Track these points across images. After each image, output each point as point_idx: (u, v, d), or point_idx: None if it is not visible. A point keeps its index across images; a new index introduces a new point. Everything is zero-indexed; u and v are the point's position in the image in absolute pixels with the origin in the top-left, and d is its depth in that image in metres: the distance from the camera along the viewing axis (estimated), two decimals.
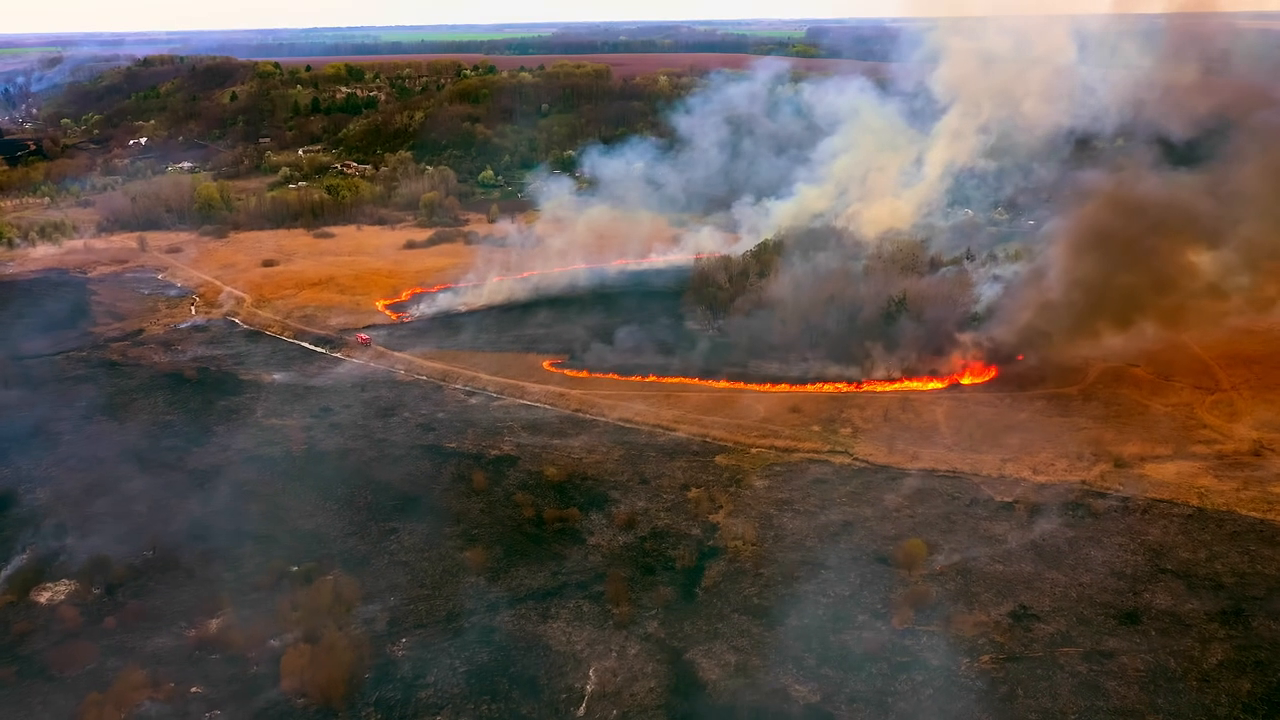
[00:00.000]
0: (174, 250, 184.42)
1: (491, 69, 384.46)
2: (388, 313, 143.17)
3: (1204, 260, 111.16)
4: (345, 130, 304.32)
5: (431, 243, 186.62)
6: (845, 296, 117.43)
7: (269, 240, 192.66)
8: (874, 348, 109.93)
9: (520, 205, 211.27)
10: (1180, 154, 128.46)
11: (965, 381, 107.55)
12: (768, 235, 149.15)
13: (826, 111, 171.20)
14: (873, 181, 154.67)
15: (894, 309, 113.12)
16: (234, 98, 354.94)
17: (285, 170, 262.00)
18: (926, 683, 60.36)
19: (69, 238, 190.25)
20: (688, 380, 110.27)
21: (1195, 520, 78.32)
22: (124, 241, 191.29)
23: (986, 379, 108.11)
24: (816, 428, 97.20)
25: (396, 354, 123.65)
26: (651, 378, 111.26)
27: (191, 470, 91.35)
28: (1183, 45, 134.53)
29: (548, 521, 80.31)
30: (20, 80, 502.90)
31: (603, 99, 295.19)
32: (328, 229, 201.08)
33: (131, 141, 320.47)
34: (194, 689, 61.18)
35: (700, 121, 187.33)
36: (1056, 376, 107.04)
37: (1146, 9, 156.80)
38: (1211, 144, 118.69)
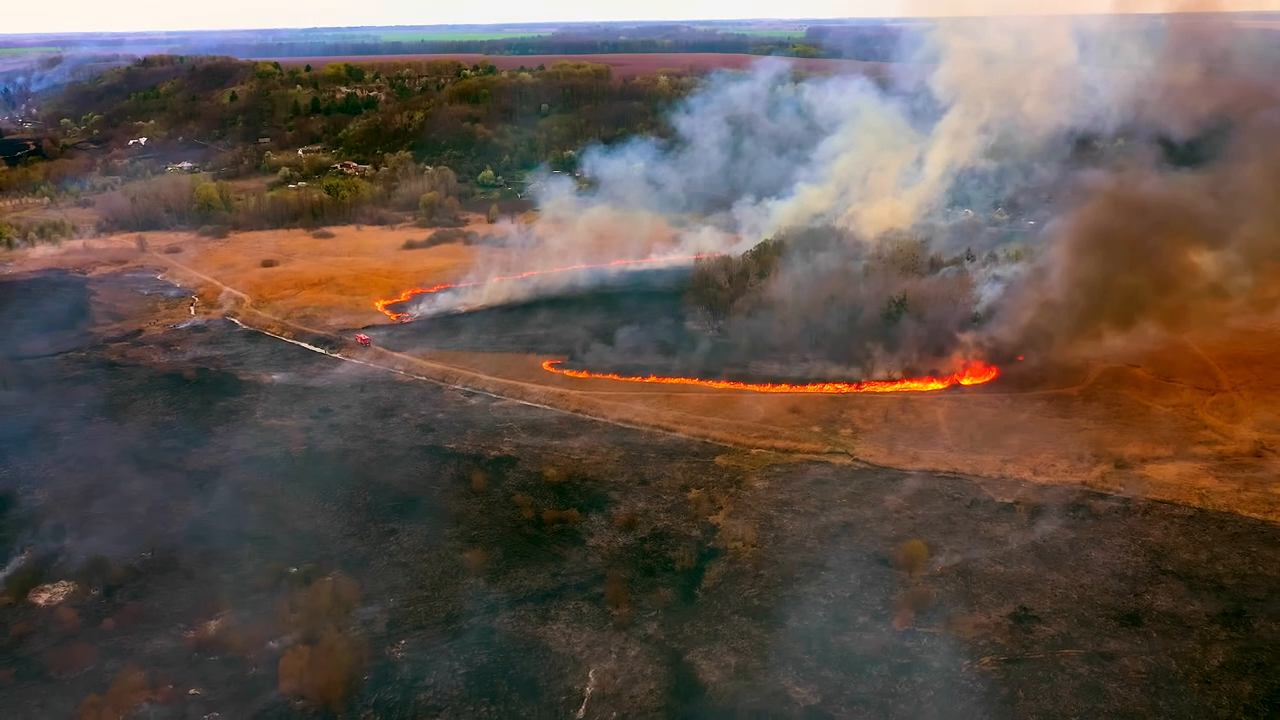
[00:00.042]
0: (173, 250, 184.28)
1: (491, 69, 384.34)
2: (387, 313, 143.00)
3: (1205, 260, 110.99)
4: (345, 130, 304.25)
5: (431, 243, 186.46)
6: (846, 297, 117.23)
7: (268, 240, 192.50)
8: (874, 348, 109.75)
9: (520, 205, 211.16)
10: (1181, 154, 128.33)
11: (965, 382, 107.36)
12: (768, 235, 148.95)
13: (827, 111, 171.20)
14: (873, 181, 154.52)
15: (894, 309, 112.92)
16: (234, 98, 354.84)
17: (285, 170, 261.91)
18: (927, 685, 60.17)
19: (68, 238, 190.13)
20: (688, 381, 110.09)
21: (1196, 521, 78.14)
22: (123, 242, 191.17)
23: (987, 379, 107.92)
24: (817, 428, 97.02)
25: (396, 354, 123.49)
26: (652, 378, 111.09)
27: (190, 471, 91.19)
28: (1184, 45, 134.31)
29: (547, 523, 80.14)
30: (20, 80, 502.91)
31: (603, 99, 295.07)
32: (327, 229, 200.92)
33: (131, 141, 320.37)
34: (192, 691, 61.03)
35: (701, 121, 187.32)
36: (1057, 377, 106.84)
37: (1147, 9, 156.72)
38: (1213, 144, 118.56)
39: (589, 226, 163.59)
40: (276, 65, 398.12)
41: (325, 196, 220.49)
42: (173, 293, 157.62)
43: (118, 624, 67.60)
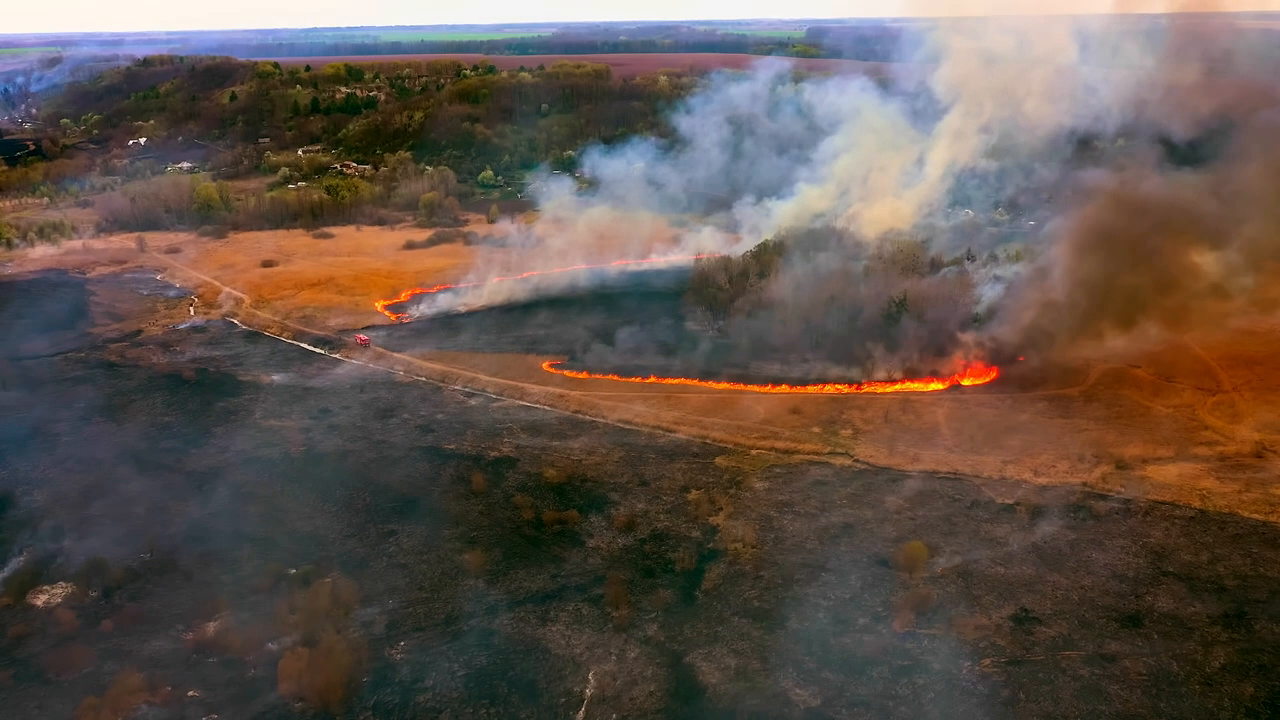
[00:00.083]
0: (173, 251, 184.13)
1: (491, 69, 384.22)
2: (387, 313, 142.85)
3: (1207, 260, 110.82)
4: (345, 130, 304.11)
5: (431, 243, 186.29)
6: (846, 297, 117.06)
7: (268, 241, 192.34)
8: (875, 349, 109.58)
9: (520, 205, 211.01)
10: (1182, 154, 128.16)
11: (966, 383, 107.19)
12: (768, 236, 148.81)
13: (828, 111, 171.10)
14: (874, 181, 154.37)
15: (895, 310, 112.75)
16: (233, 98, 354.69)
17: (285, 170, 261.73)
18: (928, 686, 60.01)
19: (68, 238, 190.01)
20: (688, 381, 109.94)
21: (1197, 522, 77.96)
22: (123, 242, 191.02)
23: (987, 380, 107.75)
24: (817, 429, 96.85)
25: (396, 355, 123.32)
26: (652, 379, 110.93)
27: (190, 472, 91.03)
28: (1185, 45, 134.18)
29: (547, 524, 79.98)
30: (20, 80, 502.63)
31: (603, 99, 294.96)
32: (327, 229, 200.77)
33: (131, 142, 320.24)
34: (191, 693, 60.88)
35: (701, 121, 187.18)
36: (1058, 378, 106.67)
37: (1148, 9, 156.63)
38: (1214, 144, 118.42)
39: (589, 227, 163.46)
40: (276, 65, 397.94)
41: (325, 197, 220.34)
42: (172, 293, 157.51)
43: (116, 625, 67.44)
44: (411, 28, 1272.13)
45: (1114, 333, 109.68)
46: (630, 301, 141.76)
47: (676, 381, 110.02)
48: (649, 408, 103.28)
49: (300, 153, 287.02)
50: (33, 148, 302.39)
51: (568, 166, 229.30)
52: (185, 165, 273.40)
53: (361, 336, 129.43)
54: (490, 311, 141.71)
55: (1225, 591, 68.56)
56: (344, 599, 68.63)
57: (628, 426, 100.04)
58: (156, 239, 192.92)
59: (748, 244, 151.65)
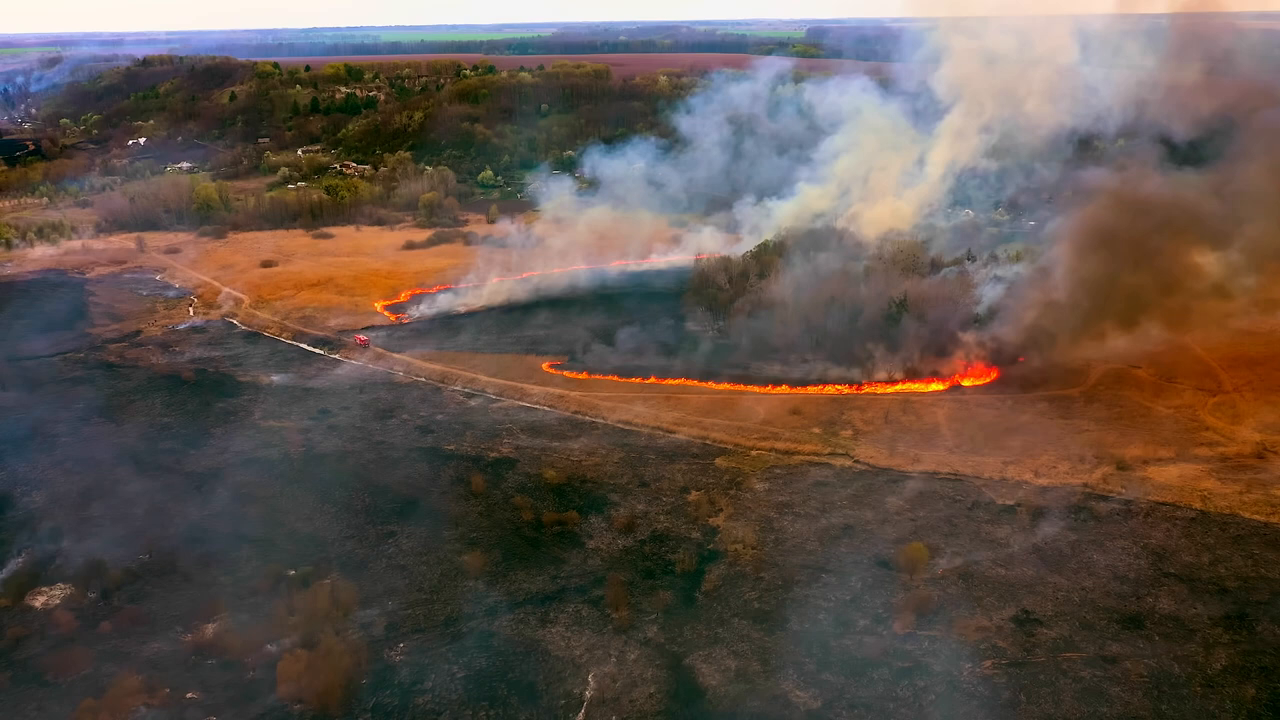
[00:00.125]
0: (172, 251, 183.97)
1: (491, 69, 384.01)
2: (387, 314, 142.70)
3: (1209, 261, 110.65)
4: (344, 130, 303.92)
5: (431, 243, 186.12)
6: (846, 297, 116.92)
7: (268, 241, 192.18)
8: (875, 349, 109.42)
9: (520, 206, 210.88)
10: (1183, 154, 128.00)
11: (966, 383, 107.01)
12: (768, 236, 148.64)
13: (828, 111, 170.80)
14: (875, 181, 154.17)
15: (895, 310, 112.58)
16: (233, 98, 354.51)
17: (284, 170, 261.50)
18: (929, 688, 59.83)
19: (67, 238, 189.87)
20: (688, 382, 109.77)
21: (1198, 523, 77.79)
22: (122, 242, 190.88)
23: (988, 381, 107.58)
24: (817, 430, 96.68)
25: (395, 355, 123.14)
26: (652, 379, 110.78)
27: (189, 473, 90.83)
28: (1186, 45, 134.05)
29: (547, 525, 79.81)
30: (20, 80, 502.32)
31: (603, 99, 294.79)
32: (327, 229, 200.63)
33: (130, 142, 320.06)
34: (190, 695, 60.70)
35: (701, 121, 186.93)
36: (1058, 378, 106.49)
37: (1149, 9, 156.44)
38: (1215, 144, 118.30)
39: (589, 227, 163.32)
40: (276, 65, 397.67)
41: (325, 197, 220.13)
42: (171, 293, 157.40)
43: (115, 627, 67.25)
44: (411, 28, 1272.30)
45: (1115, 333, 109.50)
46: (630, 302, 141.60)
47: (677, 382, 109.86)
48: (649, 408, 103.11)
49: (300, 153, 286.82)
50: (32, 148, 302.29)
51: (568, 166, 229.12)
52: (185, 165, 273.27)
53: (361, 337, 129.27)
54: (490, 312, 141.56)
55: (1227, 593, 68.39)
56: (343, 600, 68.46)
57: (628, 427, 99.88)
58: (156, 239, 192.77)
59: (748, 244, 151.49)
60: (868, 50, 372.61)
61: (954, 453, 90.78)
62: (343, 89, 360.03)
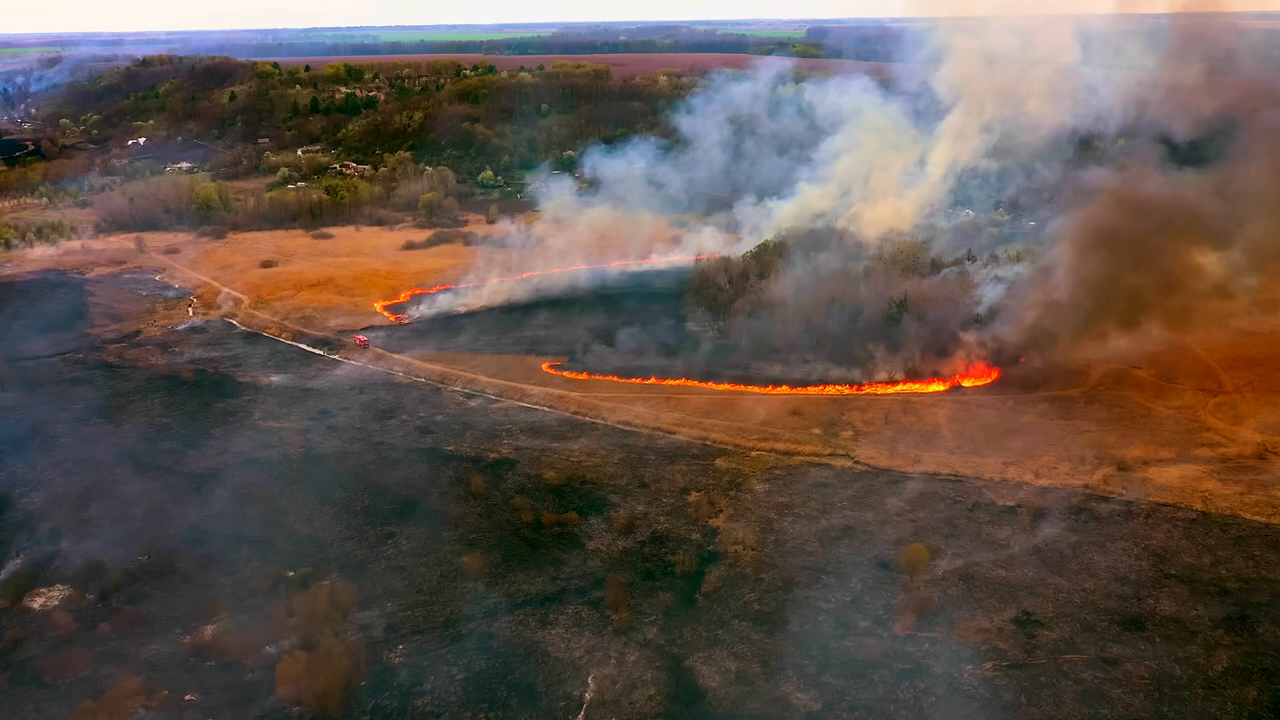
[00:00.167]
0: (172, 251, 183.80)
1: (491, 69, 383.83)
2: (386, 314, 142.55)
3: (1210, 261, 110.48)
4: (344, 130, 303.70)
5: (431, 243, 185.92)
6: (847, 298, 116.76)
7: (267, 241, 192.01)
8: (876, 349, 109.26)
9: (520, 206, 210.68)
10: (1184, 154, 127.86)
11: (967, 384, 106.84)
12: (768, 236, 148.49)
13: (829, 111, 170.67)
14: (875, 181, 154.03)
15: (896, 310, 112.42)
16: (233, 98, 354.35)
17: (284, 171, 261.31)
18: (929, 690, 59.67)
19: (67, 238, 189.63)
20: (688, 382, 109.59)
21: (1199, 524, 77.61)
22: (122, 242, 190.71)
23: (988, 381, 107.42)
24: (817, 430, 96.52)
25: (395, 356, 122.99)
26: (652, 380, 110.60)
27: (188, 474, 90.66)
28: (1187, 45, 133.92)
29: (546, 526, 79.65)
30: (19, 80, 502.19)
31: (603, 99, 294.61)
32: (326, 230, 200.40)
33: (130, 142, 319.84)
34: (188, 697, 60.54)
35: (702, 121, 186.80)
36: (1059, 379, 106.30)
37: (1150, 9, 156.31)
38: (1216, 144, 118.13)
39: (589, 227, 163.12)
40: (276, 65, 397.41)
41: (324, 197, 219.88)
42: (171, 294, 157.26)
43: (113, 629, 67.08)
44: (411, 28, 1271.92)
45: (1116, 333, 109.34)
46: (630, 302, 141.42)
47: (677, 383, 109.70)
48: (649, 409, 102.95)
49: (300, 153, 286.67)
50: (32, 148, 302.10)
51: (568, 166, 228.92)
52: (184, 165, 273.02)
53: (361, 337, 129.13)
54: (490, 312, 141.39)
55: (1228, 594, 68.21)
56: (342, 602, 68.27)
57: (628, 428, 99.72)
58: (155, 239, 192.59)
59: (748, 244, 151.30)
60: (868, 50, 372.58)
61: (954, 453, 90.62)
62: (342, 89, 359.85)
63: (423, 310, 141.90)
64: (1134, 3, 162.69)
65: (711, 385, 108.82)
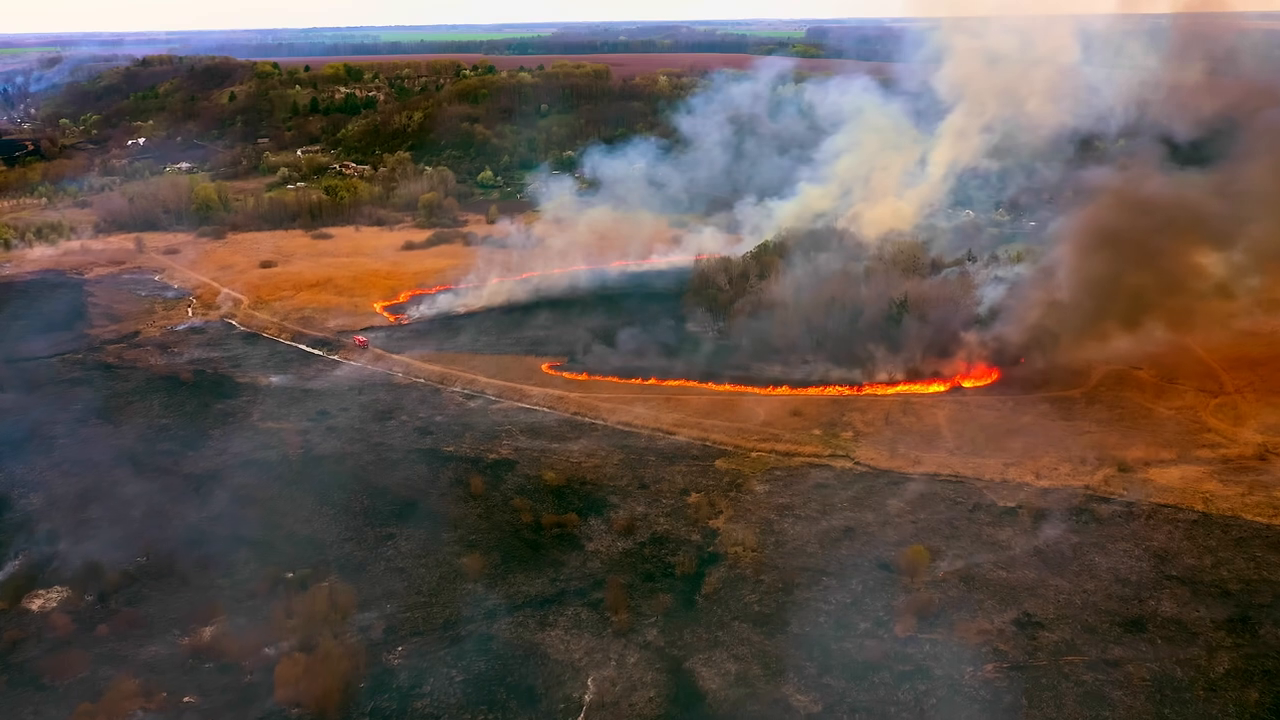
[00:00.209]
0: (171, 251, 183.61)
1: (491, 69, 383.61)
2: (386, 315, 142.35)
3: (1211, 261, 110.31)
4: (344, 131, 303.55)
5: (430, 244, 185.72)
6: (847, 298, 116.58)
7: (267, 241, 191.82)
8: (876, 350, 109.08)
9: (520, 206, 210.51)
10: (1185, 154, 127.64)
11: (967, 384, 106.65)
12: (769, 236, 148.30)
13: (829, 111, 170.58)
14: (876, 181, 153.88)
15: (896, 311, 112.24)
16: (232, 98, 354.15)
17: (283, 171, 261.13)
18: (930, 692, 59.49)
19: (66, 239, 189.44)
20: (689, 383, 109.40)
21: (1200, 526, 77.43)
22: (121, 242, 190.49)
23: (989, 382, 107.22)
24: (818, 431, 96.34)
25: (395, 356, 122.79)
26: (652, 381, 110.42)
27: (187, 475, 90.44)
28: (1188, 45, 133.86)
29: (546, 527, 79.47)
30: (19, 80, 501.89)
31: (603, 99, 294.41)
32: (326, 230, 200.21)
33: (130, 142, 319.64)
34: (187, 699, 60.37)
35: (702, 121, 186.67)
36: (1059, 379, 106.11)
37: (1151, 9, 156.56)
38: (1217, 144, 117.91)
39: (589, 227, 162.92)
40: (275, 65, 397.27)
41: (324, 197, 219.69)
42: (170, 294, 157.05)
43: (112, 630, 66.92)
44: (411, 28, 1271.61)
45: (1118, 334, 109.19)
46: (630, 302, 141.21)
47: (677, 383, 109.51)
48: (649, 410, 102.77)
49: (299, 153, 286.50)
50: (31, 148, 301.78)
51: (568, 167, 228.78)
52: (184, 165, 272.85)
53: (360, 338, 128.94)
54: (490, 313, 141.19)
55: (1229, 596, 68.03)
56: (342, 603, 68.07)
57: (628, 429, 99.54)
58: (155, 240, 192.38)
59: (749, 244, 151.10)
60: (869, 50, 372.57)
61: (955, 454, 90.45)
62: (342, 89, 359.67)
63: (422, 311, 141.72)
64: (1135, 2, 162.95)
65: (712, 386, 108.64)
